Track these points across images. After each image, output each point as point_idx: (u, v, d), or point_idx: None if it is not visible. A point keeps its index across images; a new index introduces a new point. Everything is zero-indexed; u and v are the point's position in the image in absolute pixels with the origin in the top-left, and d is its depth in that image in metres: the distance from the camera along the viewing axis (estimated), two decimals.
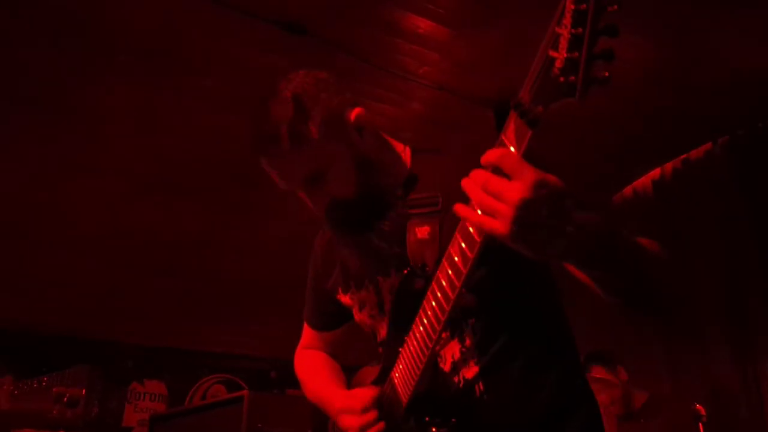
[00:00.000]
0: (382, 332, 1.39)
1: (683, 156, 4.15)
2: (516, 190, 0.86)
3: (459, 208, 0.95)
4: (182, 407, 4.49)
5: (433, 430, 1.19)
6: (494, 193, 0.88)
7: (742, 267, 3.79)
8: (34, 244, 4.52)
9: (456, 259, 1.02)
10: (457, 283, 1.02)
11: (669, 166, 4.23)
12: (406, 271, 1.24)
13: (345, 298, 1.48)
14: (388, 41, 3.13)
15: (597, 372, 3.30)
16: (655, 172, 4.32)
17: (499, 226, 0.88)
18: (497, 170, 0.90)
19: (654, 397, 3.23)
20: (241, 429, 2.78)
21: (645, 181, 4.37)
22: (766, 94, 3.60)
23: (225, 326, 5.87)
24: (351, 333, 1.62)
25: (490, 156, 0.90)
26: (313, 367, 1.64)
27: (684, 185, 4.14)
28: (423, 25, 3.03)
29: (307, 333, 1.71)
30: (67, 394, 2.74)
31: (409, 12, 2.96)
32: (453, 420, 1.19)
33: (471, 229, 0.98)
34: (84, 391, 2.82)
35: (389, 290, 1.34)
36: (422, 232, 1.24)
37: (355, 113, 1.33)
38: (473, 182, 0.92)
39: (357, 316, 1.48)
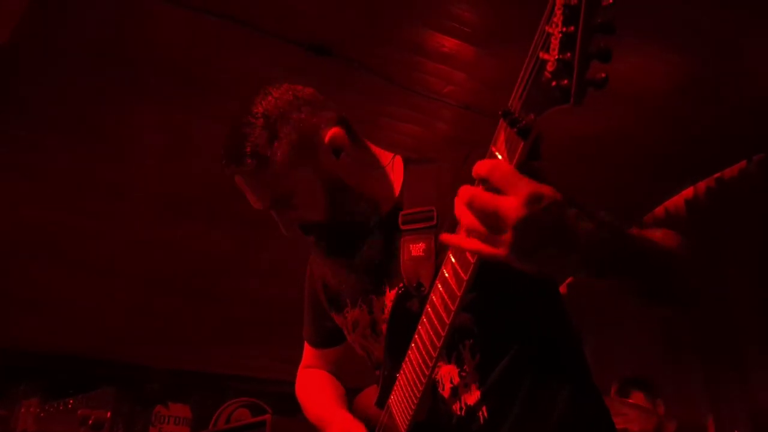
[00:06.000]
0: (378, 353, 1.32)
1: (717, 174, 4.05)
2: (511, 207, 0.78)
3: (447, 239, 0.88)
4: (205, 431, 4.46)
5: None
6: (486, 212, 0.80)
7: None
8: (61, 265, 4.56)
9: (449, 280, 0.95)
10: (452, 307, 0.96)
11: (702, 184, 4.12)
12: (401, 292, 1.17)
13: (338, 318, 1.41)
14: (413, 60, 3.12)
15: (636, 398, 3.18)
16: (688, 191, 4.21)
17: (499, 251, 0.81)
18: (487, 185, 0.82)
19: (684, 426, 3.10)
20: None
21: (677, 200, 4.26)
22: None
23: (251, 349, 5.85)
24: (352, 350, 1.53)
25: (480, 168, 0.82)
26: (312, 387, 1.58)
27: (718, 204, 4.03)
28: (448, 43, 3.01)
29: (308, 352, 1.64)
30: (93, 417, 2.72)
31: (433, 31, 2.95)
32: None
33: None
34: (109, 413, 2.80)
35: (382, 309, 1.28)
36: (417, 249, 1.18)
37: (330, 134, 1.25)
38: (461, 202, 0.83)
39: (349, 337, 1.41)
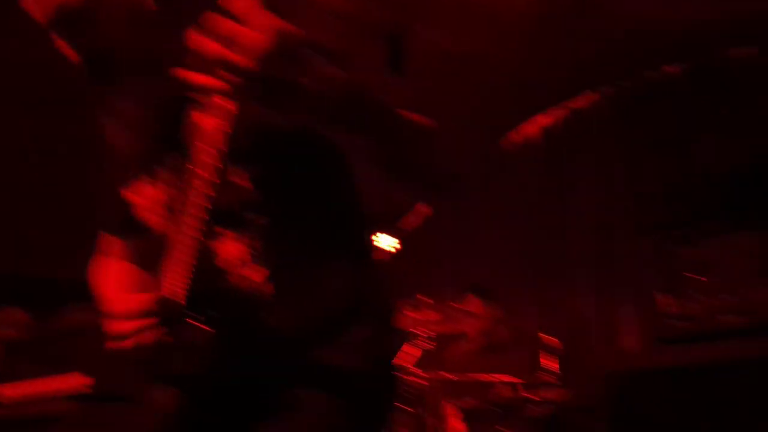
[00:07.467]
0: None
1: (571, 104, 4.25)
2: (250, 38, 0.78)
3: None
4: None
5: (209, 327, 1.11)
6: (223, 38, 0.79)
7: (614, 217, 3.99)
8: None
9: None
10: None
11: (556, 113, 4.32)
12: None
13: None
14: None
15: (473, 302, 3.36)
16: (545, 118, 4.40)
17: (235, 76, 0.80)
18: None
19: (514, 331, 3.35)
20: None
21: (533, 127, 4.44)
22: (654, 46, 3.70)
23: None
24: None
25: None
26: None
27: (569, 133, 4.26)
28: None
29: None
30: None
31: None
32: (231, 316, 1.12)
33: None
34: None
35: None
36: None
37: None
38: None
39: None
